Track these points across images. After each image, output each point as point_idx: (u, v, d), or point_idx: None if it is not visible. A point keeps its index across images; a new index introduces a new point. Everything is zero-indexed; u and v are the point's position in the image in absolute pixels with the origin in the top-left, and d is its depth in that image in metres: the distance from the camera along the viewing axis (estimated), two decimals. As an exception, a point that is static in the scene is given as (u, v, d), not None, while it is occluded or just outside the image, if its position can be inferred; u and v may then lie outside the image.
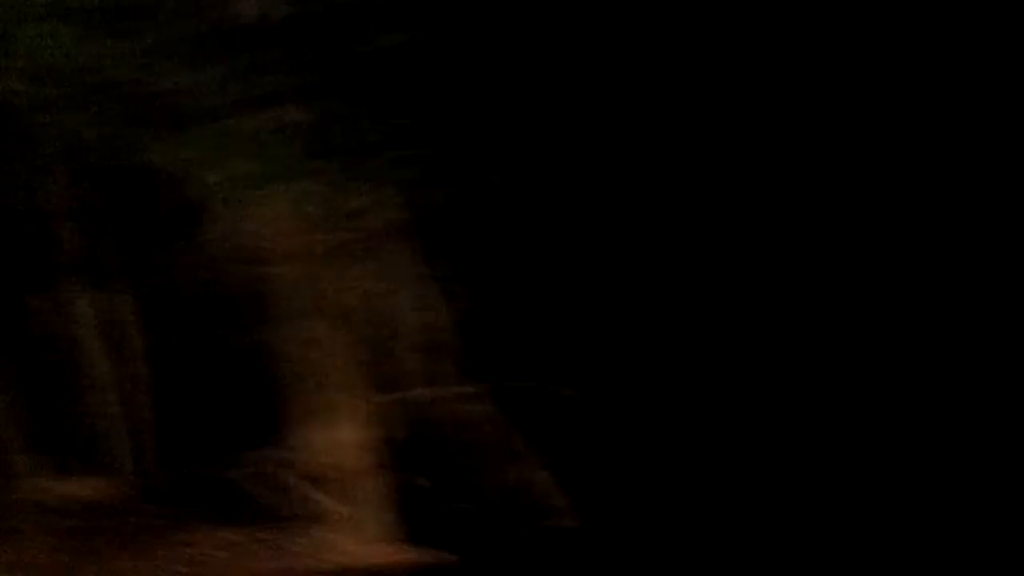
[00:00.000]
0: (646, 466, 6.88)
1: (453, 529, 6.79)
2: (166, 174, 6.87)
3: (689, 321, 7.04)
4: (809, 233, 7.02)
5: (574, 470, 6.85)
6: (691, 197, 7.05)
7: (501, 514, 6.90)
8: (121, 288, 7.59)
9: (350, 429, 6.98)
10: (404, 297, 6.98)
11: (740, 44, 6.87)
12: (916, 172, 6.93)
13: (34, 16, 6.71)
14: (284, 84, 6.66)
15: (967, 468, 6.64)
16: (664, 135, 6.96)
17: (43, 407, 7.77)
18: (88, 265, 7.55)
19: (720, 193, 7.02)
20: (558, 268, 7.02)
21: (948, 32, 6.82)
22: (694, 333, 7.03)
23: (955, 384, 6.80)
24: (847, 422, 6.84)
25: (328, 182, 6.80)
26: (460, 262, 6.93)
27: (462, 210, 6.91)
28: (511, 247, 7.03)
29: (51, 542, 7.01)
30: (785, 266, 7.01)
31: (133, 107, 6.71)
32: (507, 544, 6.75)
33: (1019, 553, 6.15)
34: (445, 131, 6.76)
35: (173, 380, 7.56)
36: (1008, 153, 6.89)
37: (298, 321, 6.98)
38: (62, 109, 6.81)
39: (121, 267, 7.54)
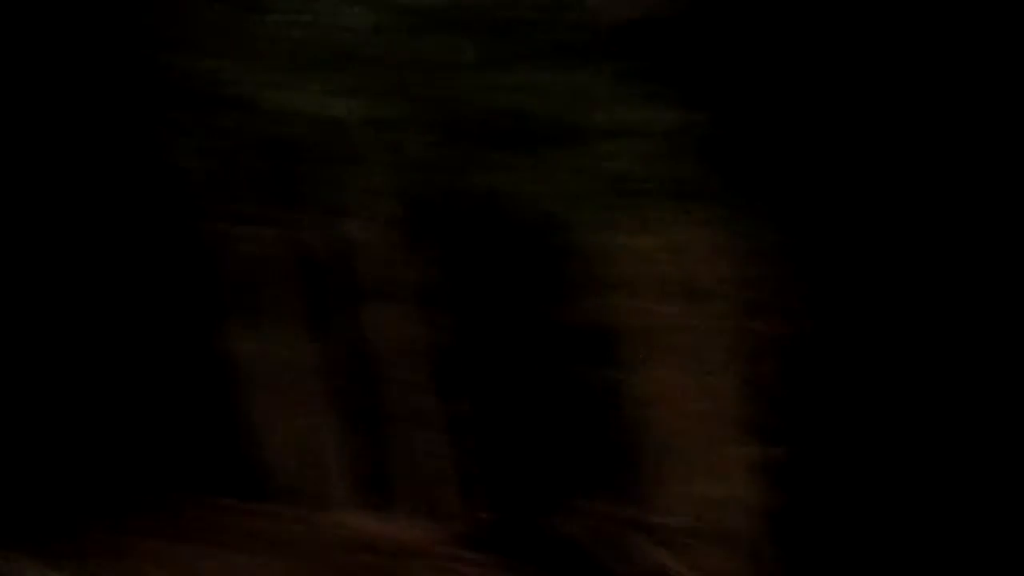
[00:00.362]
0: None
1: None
2: (509, 198, 6.36)
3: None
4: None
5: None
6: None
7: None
8: (452, 319, 7.06)
9: (709, 487, 6.22)
10: (783, 344, 6.26)
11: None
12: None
13: (372, 29, 6.30)
14: (647, 99, 6.06)
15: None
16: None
17: (368, 440, 7.39)
18: (420, 295, 7.08)
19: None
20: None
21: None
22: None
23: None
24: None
25: (695, 211, 6.18)
26: (847, 305, 6.17)
27: (846, 249, 6.15)
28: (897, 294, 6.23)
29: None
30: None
31: (476, 125, 6.21)
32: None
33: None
34: (840, 158, 6.06)
35: (505, 418, 6.94)
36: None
37: (659, 363, 6.35)
38: (397, 128, 6.33)
39: (450, 295, 6.99)
